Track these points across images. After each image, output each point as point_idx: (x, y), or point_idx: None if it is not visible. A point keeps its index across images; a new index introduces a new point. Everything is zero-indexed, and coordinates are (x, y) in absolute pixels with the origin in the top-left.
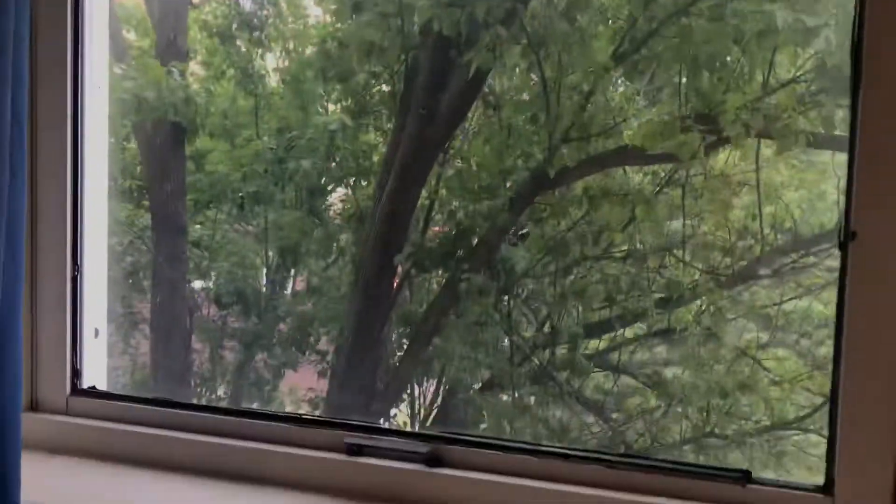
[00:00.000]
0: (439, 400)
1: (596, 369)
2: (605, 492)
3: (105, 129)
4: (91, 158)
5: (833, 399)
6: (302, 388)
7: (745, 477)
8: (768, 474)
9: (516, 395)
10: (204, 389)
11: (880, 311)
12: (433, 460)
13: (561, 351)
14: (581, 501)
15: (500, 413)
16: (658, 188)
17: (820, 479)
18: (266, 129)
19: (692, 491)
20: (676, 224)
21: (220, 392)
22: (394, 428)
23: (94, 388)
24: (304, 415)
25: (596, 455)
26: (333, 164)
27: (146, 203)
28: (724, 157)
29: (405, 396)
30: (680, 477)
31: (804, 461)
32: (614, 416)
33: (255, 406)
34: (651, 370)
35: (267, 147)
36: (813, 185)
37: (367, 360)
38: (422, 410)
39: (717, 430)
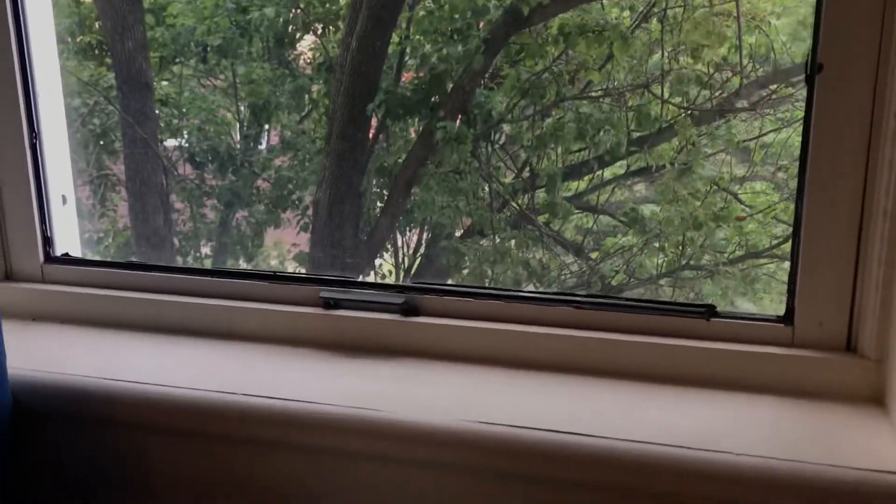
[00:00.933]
0: (422, 248)
1: (576, 211)
2: (574, 331)
3: None
4: (34, 13)
5: (796, 231)
6: (287, 243)
7: (709, 311)
8: (740, 302)
9: (497, 239)
10: (188, 248)
11: (844, 144)
12: (409, 310)
13: (541, 194)
14: (552, 342)
15: (481, 258)
16: (636, 22)
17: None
18: None
19: (659, 327)
20: (655, 59)
21: (205, 251)
22: (369, 281)
23: (67, 254)
24: (278, 272)
25: (564, 297)
26: (299, 10)
27: (108, 61)
28: None
29: (388, 247)
30: (647, 314)
31: (776, 289)
32: (593, 255)
33: (241, 263)
34: (629, 208)
35: None
36: (794, 13)
37: (348, 213)
38: (405, 259)
39: (692, 262)
